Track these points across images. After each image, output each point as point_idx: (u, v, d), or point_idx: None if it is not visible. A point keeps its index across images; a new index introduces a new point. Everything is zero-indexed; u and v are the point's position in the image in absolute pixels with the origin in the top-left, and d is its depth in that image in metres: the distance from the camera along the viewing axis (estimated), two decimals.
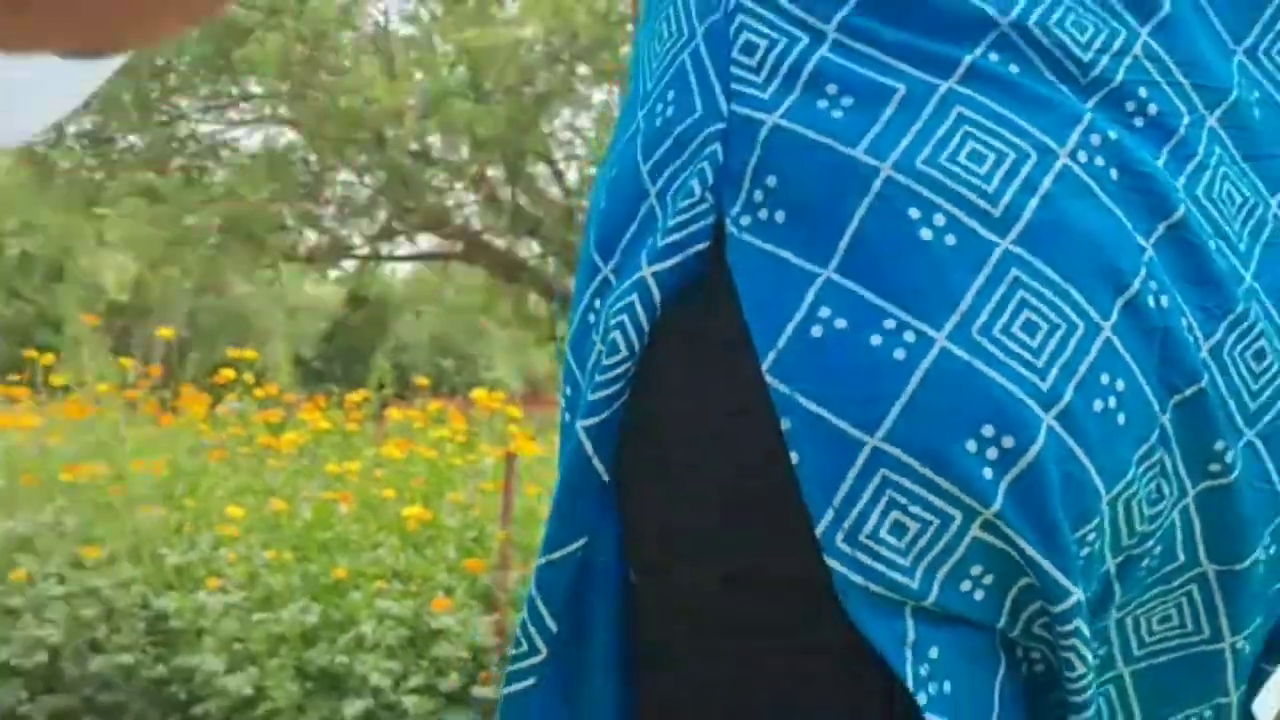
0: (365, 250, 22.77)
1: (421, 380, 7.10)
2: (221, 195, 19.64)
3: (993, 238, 0.66)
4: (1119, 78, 0.71)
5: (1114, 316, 0.67)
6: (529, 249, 22.16)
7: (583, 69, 18.42)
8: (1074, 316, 0.66)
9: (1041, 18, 0.70)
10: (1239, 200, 0.72)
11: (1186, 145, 0.71)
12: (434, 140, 18.70)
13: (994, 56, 0.69)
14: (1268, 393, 0.71)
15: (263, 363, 6.04)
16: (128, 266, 28.28)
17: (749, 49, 0.71)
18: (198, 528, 4.79)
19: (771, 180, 0.69)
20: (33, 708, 4.33)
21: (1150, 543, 0.71)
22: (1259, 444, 0.71)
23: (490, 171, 19.56)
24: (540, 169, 20.94)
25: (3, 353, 12.88)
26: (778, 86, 0.70)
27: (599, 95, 19.83)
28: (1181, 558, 0.72)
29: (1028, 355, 0.65)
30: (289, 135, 20.63)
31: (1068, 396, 0.65)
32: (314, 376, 27.56)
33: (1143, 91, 0.71)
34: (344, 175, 20.42)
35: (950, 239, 0.66)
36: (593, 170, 19.98)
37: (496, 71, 16.92)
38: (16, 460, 5.19)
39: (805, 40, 0.71)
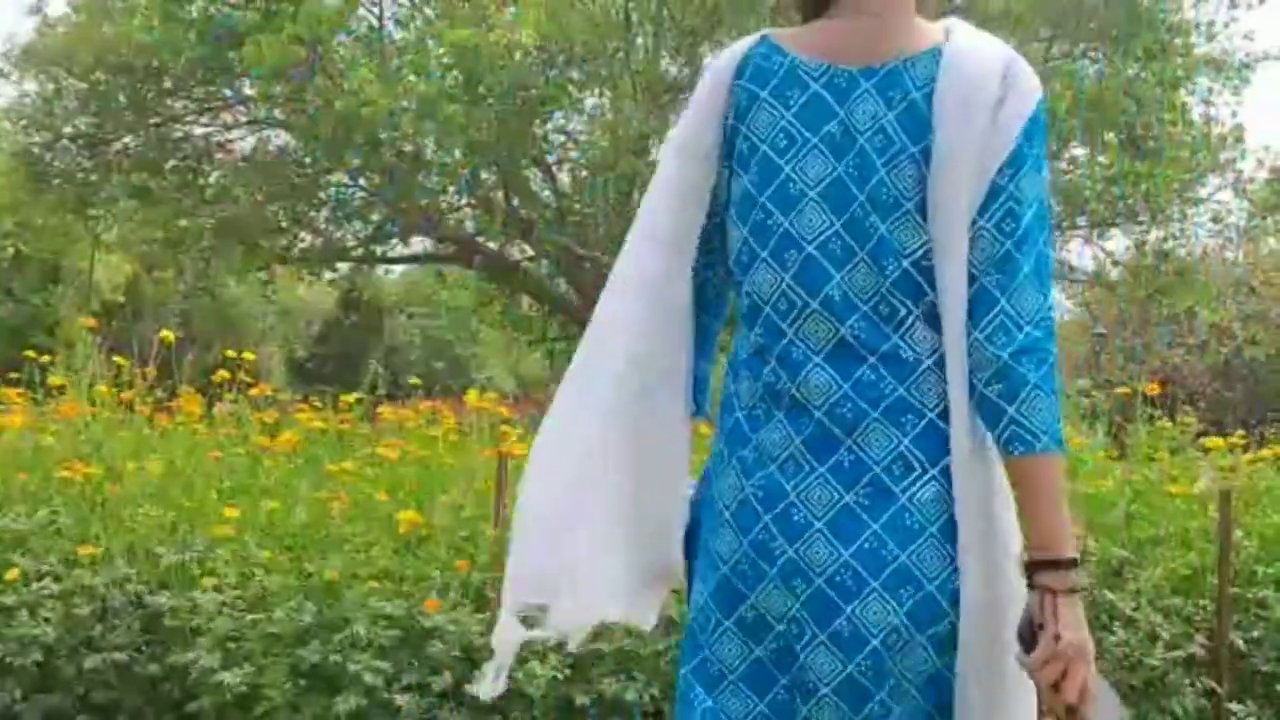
0: (359, 252, 22.80)
1: (414, 381, 7.14)
2: (215, 197, 19.66)
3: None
4: None
5: None
6: (521, 251, 22.20)
7: (576, 73, 18.46)
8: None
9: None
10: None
11: None
12: (428, 143, 18.71)
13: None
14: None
15: (256, 364, 6.07)
16: (122, 268, 28.27)
17: None
18: (192, 527, 4.82)
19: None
20: (27, 706, 4.35)
21: None
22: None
23: (483, 174, 19.60)
24: (533, 172, 20.98)
25: None
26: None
27: (592, 100, 19.89)
28: None
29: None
30: (283, 137, 20.66)
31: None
32: (307, 378, 27.57)
33: None
34: (338, 177, 20.45)
35: None
36: (585, 174, 20.02)
37: (490, 75, 16.95)
38: (12, 459, 5.23)
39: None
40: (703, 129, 1.89)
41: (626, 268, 1.92)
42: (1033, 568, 1.72)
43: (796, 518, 1.77)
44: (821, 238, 1.79)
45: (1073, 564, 1.71)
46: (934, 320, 1.78)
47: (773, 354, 1.82)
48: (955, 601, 1.76)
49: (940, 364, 1.78)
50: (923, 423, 1.77)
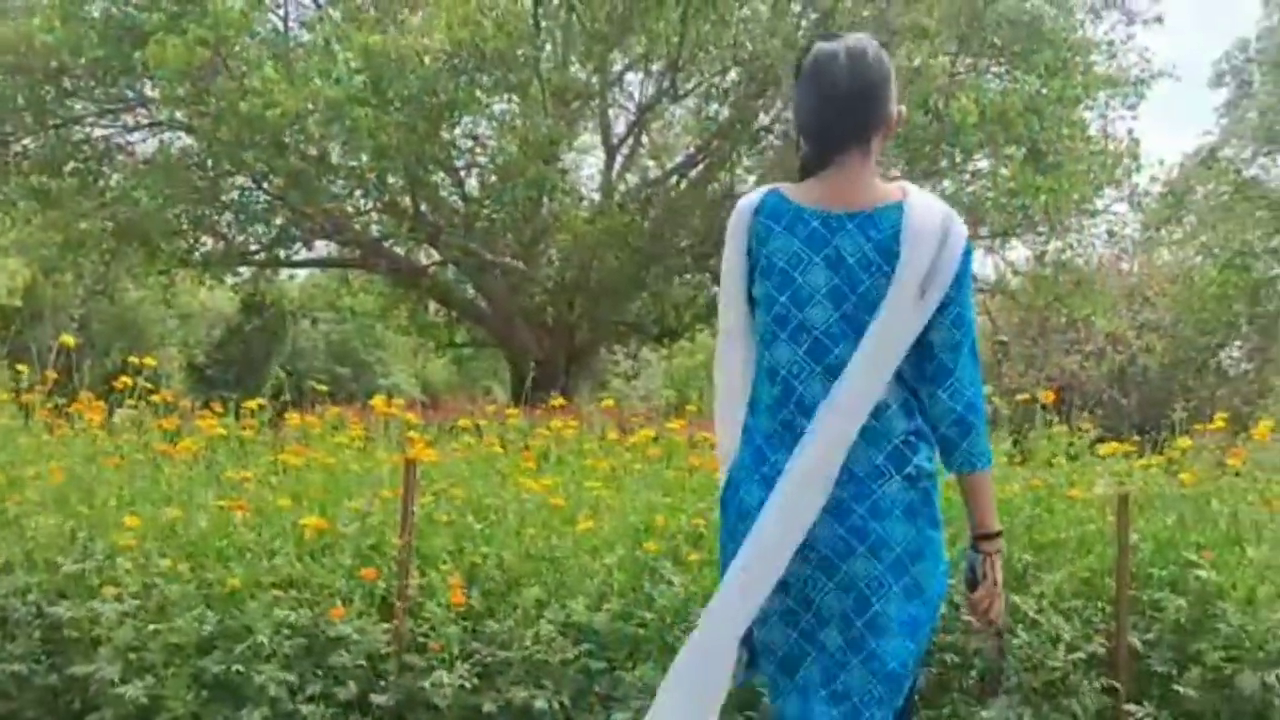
0: (261, 256, 22.51)
1: (319, 387, 7.05)
2: (116, 200, 19.30)
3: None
4: None
5: None
6: (428, 256, 22.05)
7: (485, 79, 18.38)
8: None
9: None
10: None
11: None
12: (334, 147, 18.52)
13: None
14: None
15: (156, 369, 5.96)
16: (20, 271, 27.65)
17: None
18: (93, 536, 4.74)
19: None
20: None
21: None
22: None
23: (390, 178, 19.44)
24: (441, 177, 20.85)
25: None
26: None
27: (500, 105, 19.81)
28: None
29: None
30: (185, 140, 20.33)
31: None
32: (208, 383, 27.13)
33: None
34: (241, 180, 20.18)
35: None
36: (494, 179, 19.94)
37: (399, 80, 16.81)
38: None
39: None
40: (736, 252, 2.82)
41: (725, 324, 2.90)
42: (977, 539, 2.78)
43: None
44: (824, 325, 2.71)
45: (999, 535, 2.79)
46: (898, 378, 2.71)
47: (790, 401, 2.73)
48: (915, 559, 2.69)
49: (903, 408, 2.73)
50: (890, 446, 2.70)
